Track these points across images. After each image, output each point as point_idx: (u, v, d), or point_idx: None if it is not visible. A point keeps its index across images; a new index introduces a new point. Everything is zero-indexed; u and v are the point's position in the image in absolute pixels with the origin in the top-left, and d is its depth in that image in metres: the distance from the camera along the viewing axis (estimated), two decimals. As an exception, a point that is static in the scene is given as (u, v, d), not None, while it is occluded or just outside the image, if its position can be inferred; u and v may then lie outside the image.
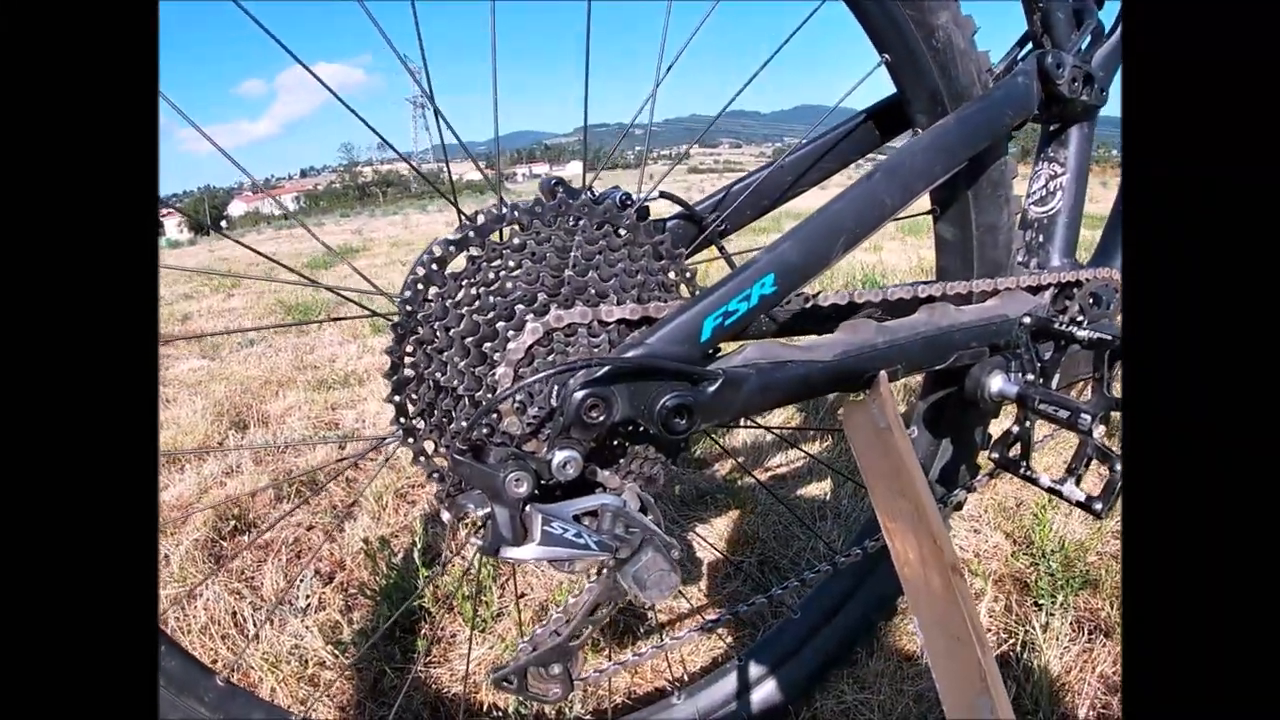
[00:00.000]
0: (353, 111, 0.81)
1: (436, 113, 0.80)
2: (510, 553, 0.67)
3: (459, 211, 0.79)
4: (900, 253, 5.93)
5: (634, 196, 0.89)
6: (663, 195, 0.95)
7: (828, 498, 1.96)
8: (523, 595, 1.61)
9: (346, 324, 4.17)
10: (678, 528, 1.84)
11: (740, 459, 2.23)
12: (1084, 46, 1.03)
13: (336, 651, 1.48)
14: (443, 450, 0.74)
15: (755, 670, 1.26)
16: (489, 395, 0.72)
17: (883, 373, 0.89)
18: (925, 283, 1.03)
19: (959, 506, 1.33)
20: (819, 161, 1.11)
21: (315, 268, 7.67)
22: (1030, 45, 1.06)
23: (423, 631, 1.53)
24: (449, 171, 0.83)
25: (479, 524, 0.69)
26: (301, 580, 1.76)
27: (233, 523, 2.03)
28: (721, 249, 1.02)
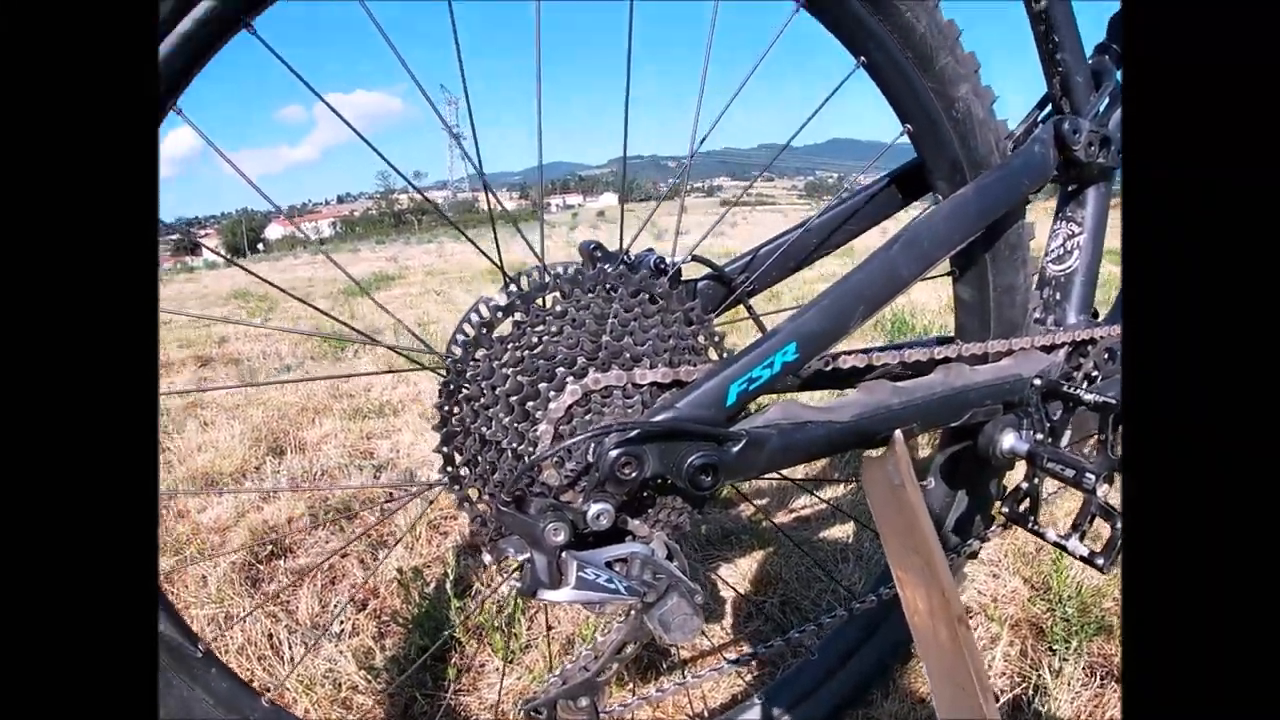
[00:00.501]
0: (382, 157, 0.88)
1: (485, 184, 0.87)
2: (546, 595, 0.73)
3: (505, 275, 0.86)
4: (930, 290, 5.96)
5: (667, 261, 0.95)
6: (694, 259, 1.01)
7: (850, 540, 2.00)
8: (551, 629, 1.66)
9: (382, 354, 4.27)
10: (702, 567, 1.89)
11: (763, 501, 2.27)
12: (1101, 109, 1.06)
13: (369, 676, 1.54)
14: (486, 498, 0.80)
15: (773, 709, 1.30)
16: (530, 450, 0.79)
17: (898, 432, 0.94)
18: (942, 341, 1.08)
19: (973, 555, 1.37)
20: (844, 224, 1.17)
21: (351, 295, 7.81)
22: (1050, 107, 1.10)
23: (453, 660, 1.59)
24: (495, 232, 0.90)
25: (517, 566, 0.76)
26: (337, 606, 1.82)
27: (270, 547, 2.10)
28: (749, 309, 1.08)
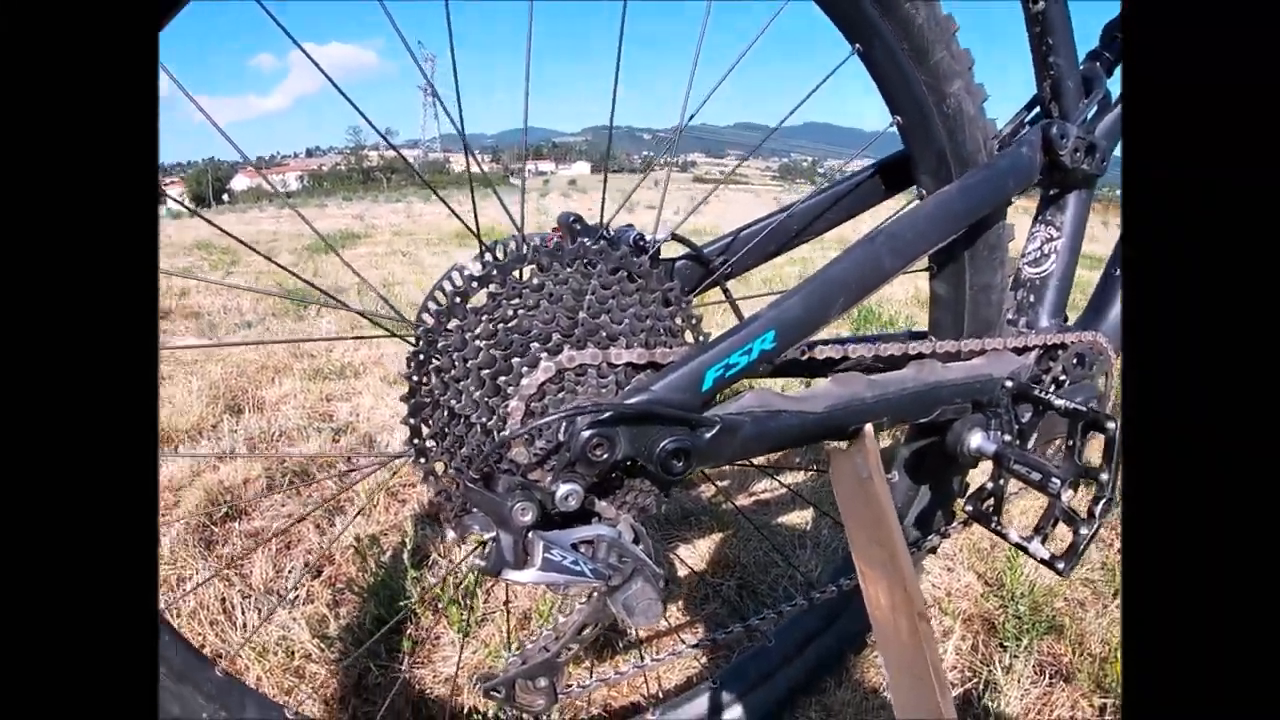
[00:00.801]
0: (360, 112, 0.85)
1: (465, 146, 0.85)
2: (511, 575, 0.71)
3: (481, 244, 0.84)
4: (899, 282, 6.00)
5: (646, 238, 0.93)
6: (674, 238, 0.99)
7: (808, 527, 2.01)
8: (508, 603, 1.65)
9: (344, 316, 4.20)
10: (661, 547, 1.89)
11: (725, 483, 2.27)
12: (1090, 116, 1.07)
13: (323, 645, 1.52)
14: (452, 473, 0.78)
15: (728, 693, 1.31)
16: (500, 426, 0.77)
17: (868, 426, 0.94)
18: (915, 336, 1.08)
19: (933, 550, 1.38)
20: (825, 213, 1.16)
21: (316, 251, 7.68)
22: (1037, 109, 1.10)
23: (409, 632, 1.57)
24: (473, 198, 0.88)
25: (480, 543, 0.74)
26: (292, 572, 1.80)
27: (225, 508, 2.06)
28: (726, 292, 1.07)
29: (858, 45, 0.90)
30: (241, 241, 0.93)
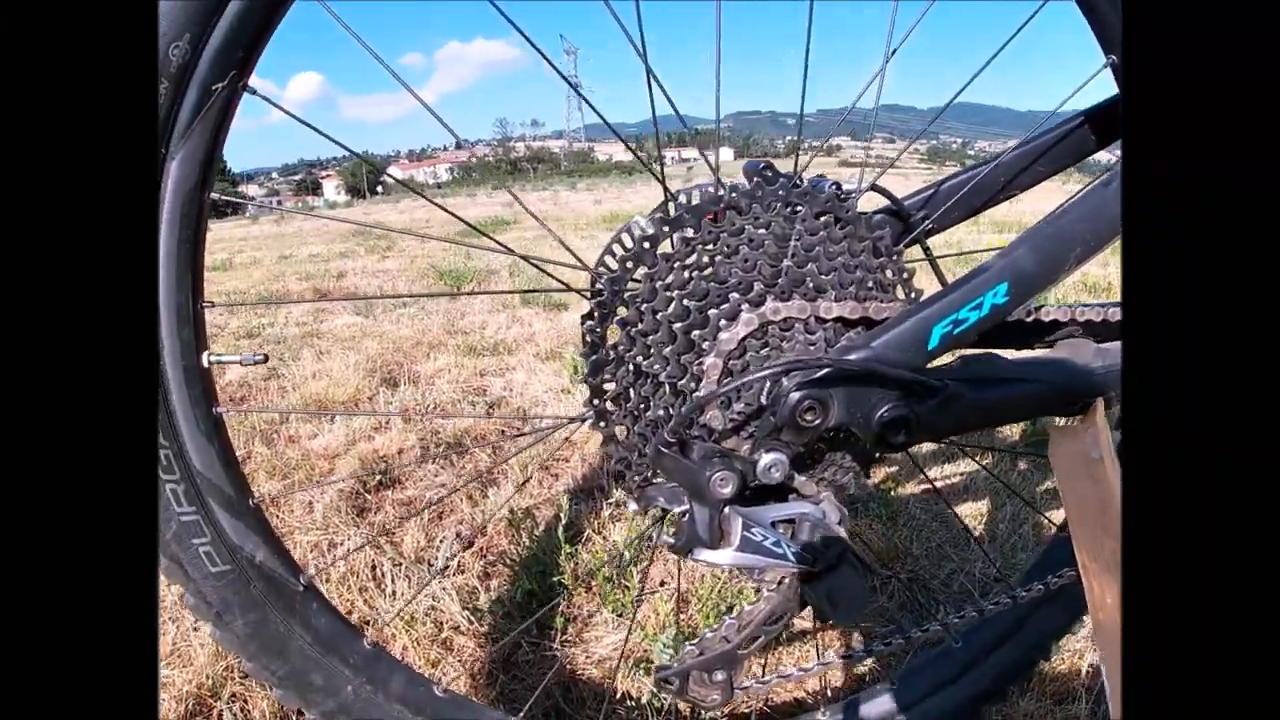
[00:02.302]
0: (446, 125, 0.78)
1: (659, 92, 0.76)
2: (705, 555, 0.63)
3: (666, 190, 0.76)
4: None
5: (843, 187, 0.83)
6: (873, 189, 0.89)
7: (984, 518, 1.85)
8: (663, 584, 1.58)
9: (498, 298, 4.26)
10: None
11: (893, 469, 2.13)
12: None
13: (472, 617, 1.50)
14: (636, 438, 0.71)
15: (906, 695, 1.20)
16: (694, 386, 0.69)
17: (1099, 400, 0.80)
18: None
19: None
20: (1033, 164, 1.03)
21: (466, 236, 7.89)
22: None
23: (561, 608, 1.53)
24: (659, 150, 0.80)
25: (661, 517, 0.66)
26: (443, 541, 1.79)
27: (378, 477, 2.09)
28: (926, 249, 0.95)
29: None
30: (377, 226, 0.88)
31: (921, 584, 1.61)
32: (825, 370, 0.62)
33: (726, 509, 0.63)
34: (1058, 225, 0.75)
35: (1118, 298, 0.94)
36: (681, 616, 1.48)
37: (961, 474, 2.09)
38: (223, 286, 5.50)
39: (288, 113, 0.78)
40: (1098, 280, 4.31)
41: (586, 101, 0.77)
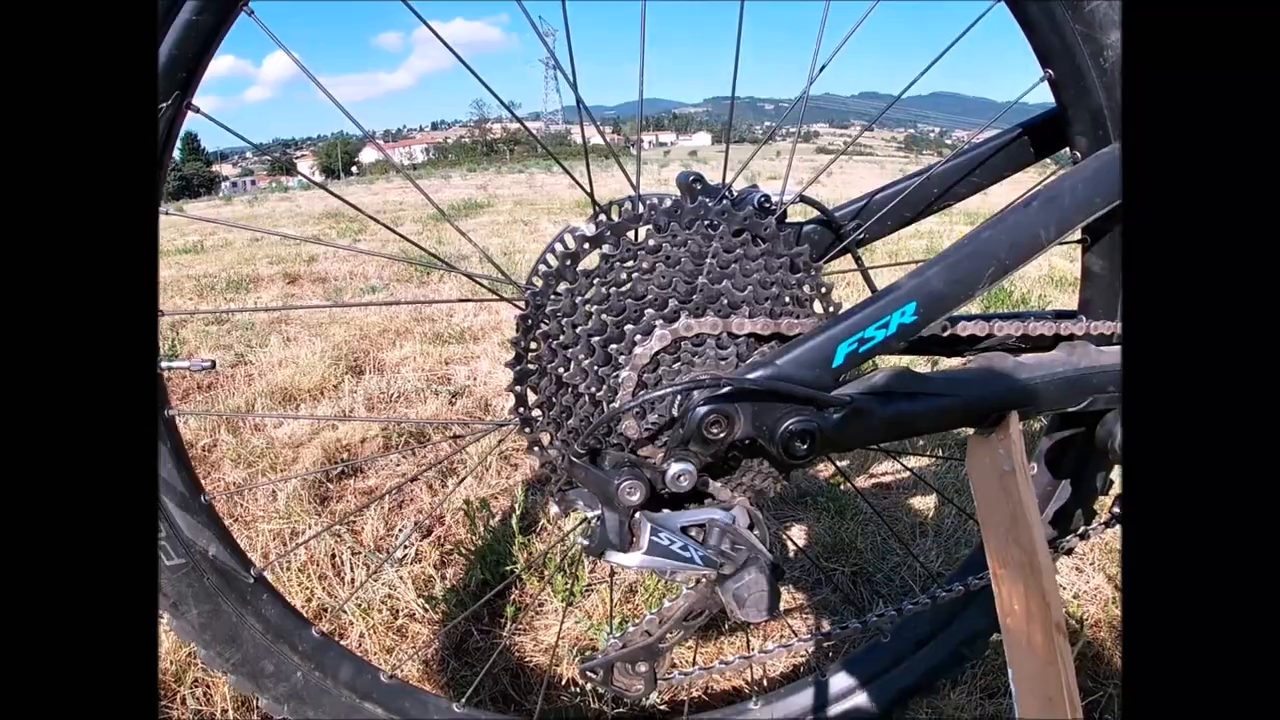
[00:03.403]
0: (482, 82, 0.81)
1: (580, 104, 0.79)
2: (615, 558, 0.66)
3: (594, 203, 0.79)
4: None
5: (772, 199, 0.86)
6: (802, 200, 0.92)
7: (930, 513, 1.90)
8: (613, 574, 1.62)
9: (465, 282, 4.26)
10: (774, 526, 1.82)
11: (844, 463, 2.18)
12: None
13: (427, 605, 1.53)
14: (558, 444, 0.74)
15: (836, 687, 1.24)
16: (610, 397, 0.72)
17: (1013, 414, 0.84)
18: (1064, 315, 0.97)
19: (1069, 552, 1.27)
20: (968, 176, 1.06)
21: (439, 220, 7.86)
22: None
23: (512, 597, 1.56)
24: (586, 158, 0.83)
25: (584, 520, 0.69)
26: (402, 531, 1.82)
27: (340, 466, 2.11)
28: (858, 259, 0.98)
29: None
30: (361, 210, 0.91)
31: (865, 577, 1.65)
32: (729, 387, 0.66)
33: (638, 514, 0.66)
34: (974, 244, 0.78)
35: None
36: (628, 606, 1.52)
37: (911, 469, 2.14)
38: (193, 270, 5.46)
39: (232, 131, 0.80)
40: (1064, 274, 4.39)
41: (566, 78, 0.79)
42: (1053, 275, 4.53)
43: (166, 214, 0.73)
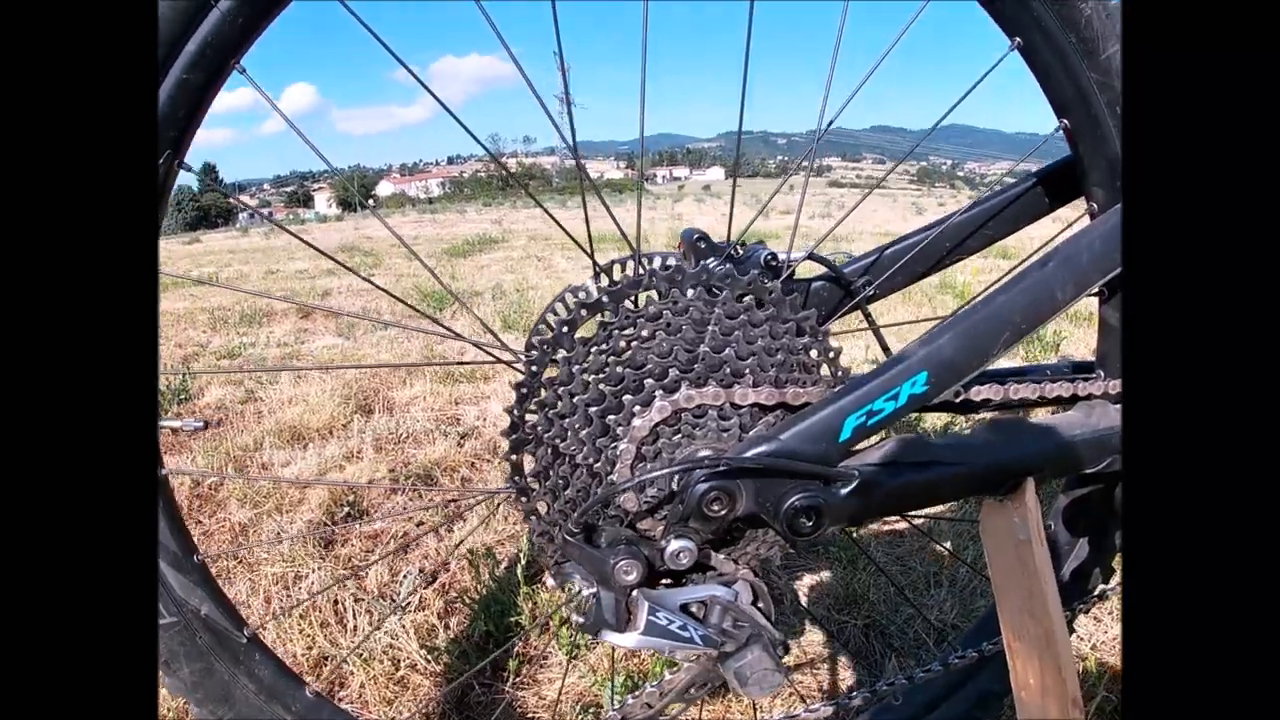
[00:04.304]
0: (464, 126, 0.80)
1: (579, 163, 0.78)
2: (611, 638, 0.64)
3: (595, 265, 0.77)
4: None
5: (779, 257, 0.84)
6: (811, 257, 0.90)
7: (945, 562, 1.86)
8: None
9: (474, 321, 4.26)
10: (783, 577, 1.78)
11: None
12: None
13: (429, 656, 1.50)
14: (554, 515, 0.71)
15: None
16: (608, 469, 0.69)
17: (1029, 480, 0.81)
18: (1080, 369, 0.94)
19: (1086, 611, 1.23)
20: (982, 228, 1.04)
21: (454, 255, 7.91)
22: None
23: (516, 649, 1.53)
24: (586, 218, 0.81)
25: (581, 596, 0.67)
26: (406, 577, 1.79)
27: (346, 509, 2.09)
28: (869, 317, 0.96)
29: (1018, 40, 0.79)
30: (328, 255, 0.89)
31: (878, 631, 1.61)
32: (729, 465, 0.63)
33: (634, 592, 0.64)
34: (988, 308, 0.75)
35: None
36: (633, 663, 1.48)
37: (919, 528, 2.10)
38: (207, 303, 5.50)
39: (221, 191, 0.79)
40: (1079, 310, 4.33)
41: (553, 121, 0.78)
42: (1072, 311, 4.48)
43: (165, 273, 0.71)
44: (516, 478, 0.71)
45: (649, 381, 0.68)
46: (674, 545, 0.64)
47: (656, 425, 0.68)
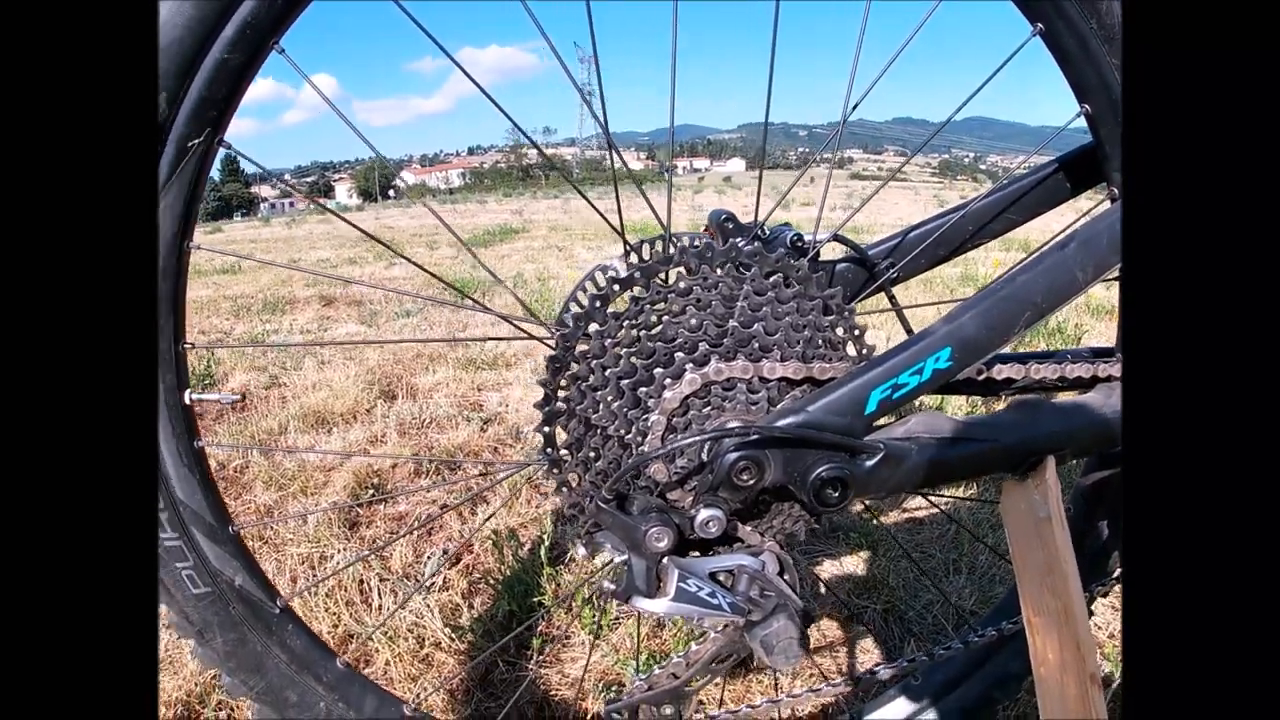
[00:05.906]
0: (508, 117, 0.81)
1: (610, 143, 0.80)
2: (642, 604, 0.66)
3: (626, 243, 0.79)
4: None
5: (805, 239, 0.86)
6: (836, 239, 0.91)
7: (965, 548, 1.86)
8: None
9: (497, 307, 4.29)
10: (804, 561, 1.80)
11: (873, 502, 2.15)
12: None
13: (454, 635, 1.52)
14: (586, 486, 0.73)
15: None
16: (639, 440, 0.71)
17: (1050, 458, 0.82)
18: (1100, 354, 0.95)
19: (1105, 594, 1.23)
20: (1003, 212, 1.05)
21: (475, 244, 7.94)
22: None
23: (540, 629, 1.55)
24: (617, 197, 0.83)
25: (612, 564, 0.69)
26: (430, 557, 1.82)
27: (370, 491, 2.12)
28: (892, 298, 0.97)
29: (1039, 25, 0.80)
30: (371, 236, 0.91)
31: (897, 615, 1.62)
32: (758, 434, 0.65)
33: (665, 560, 0.66)
34: (1010, 288, 0.76)
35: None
36: (655, 641, 1.50)
37: (946, 502, 2.10)
38: (230, 291, 5.56)
39: (259, 166, 0.81)
40: (1101, 302, 4.32)
41: (591, 110, 0.80)
42: (1088, 303, 4.46)
43: (198, 248, 0.73)
44: (549, 449, 0.72)
45: (679, 355, 0.70)
46: (704, 514, 0.66)
47: (687, 398, 0.70)
